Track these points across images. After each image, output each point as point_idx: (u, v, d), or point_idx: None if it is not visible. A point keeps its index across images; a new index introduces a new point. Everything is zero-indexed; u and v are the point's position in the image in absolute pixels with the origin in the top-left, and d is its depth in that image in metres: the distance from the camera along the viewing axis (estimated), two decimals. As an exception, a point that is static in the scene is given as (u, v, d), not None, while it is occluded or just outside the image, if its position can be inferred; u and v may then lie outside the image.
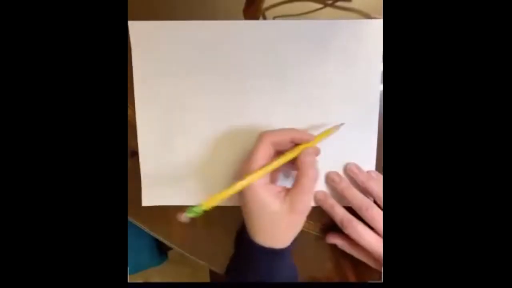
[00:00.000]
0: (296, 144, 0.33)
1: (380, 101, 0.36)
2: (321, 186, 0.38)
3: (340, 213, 0.36)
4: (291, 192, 0.32)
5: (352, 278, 0.40)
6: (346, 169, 0.37)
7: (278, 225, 0.32)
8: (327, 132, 0.34)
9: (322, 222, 0.39)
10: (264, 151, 0.32)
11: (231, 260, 0.38)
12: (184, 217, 0.28)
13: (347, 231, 0.35)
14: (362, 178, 0.36)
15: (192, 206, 0.29)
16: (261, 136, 0.32)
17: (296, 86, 0.36)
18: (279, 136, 0.32)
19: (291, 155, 0.32)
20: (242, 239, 0.34)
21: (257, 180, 0.31)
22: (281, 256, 0.33)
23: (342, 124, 0.35)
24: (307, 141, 0.33)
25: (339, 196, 0.37)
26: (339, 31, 0.35)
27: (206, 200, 0.29)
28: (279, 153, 0.33)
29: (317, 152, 0.34)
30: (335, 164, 0.37)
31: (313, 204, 0.38)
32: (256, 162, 0.31)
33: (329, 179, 0.37)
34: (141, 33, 0.36)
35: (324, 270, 0.40)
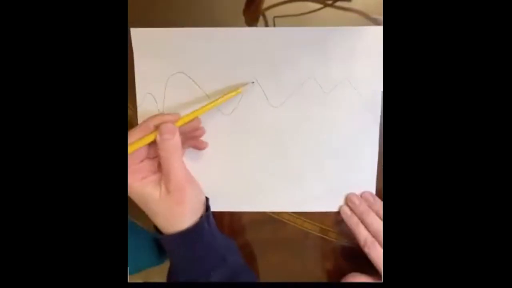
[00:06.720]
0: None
1: (380, 103, 0.36)
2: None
3: (364, 233, 0.36)
4: (162, 174, 0.32)
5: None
6: (346, 198, 0.38)
7: (169, 208, 0.32)
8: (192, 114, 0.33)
9: (322, 223, 0.39)
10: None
11: (170, 273, 0.37)
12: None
13: (368, 251, 0.35)
14: (362, 209, 0.37)
15: None
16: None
17: (296, 89, 0.36)
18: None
19: (150, 138, 0.32)
20: (163, 244, 0.34)
21: (131, 179, 0.31)
22: (198, 233, 0.33)
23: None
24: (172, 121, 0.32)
25: (358, 219, 0.37)
26: (339, 38, 0.35)
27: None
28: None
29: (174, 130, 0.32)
30: (335, 163, 0.38)
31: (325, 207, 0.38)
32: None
33: (349, 201, 0.38)
34: (143, 40, 0.36)
35: (324, 270, 0.40)
